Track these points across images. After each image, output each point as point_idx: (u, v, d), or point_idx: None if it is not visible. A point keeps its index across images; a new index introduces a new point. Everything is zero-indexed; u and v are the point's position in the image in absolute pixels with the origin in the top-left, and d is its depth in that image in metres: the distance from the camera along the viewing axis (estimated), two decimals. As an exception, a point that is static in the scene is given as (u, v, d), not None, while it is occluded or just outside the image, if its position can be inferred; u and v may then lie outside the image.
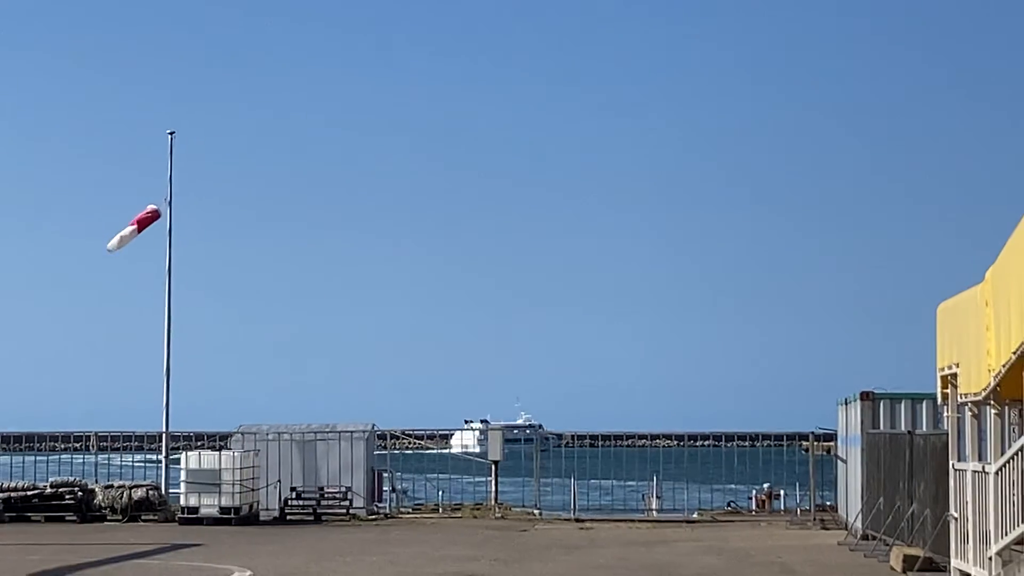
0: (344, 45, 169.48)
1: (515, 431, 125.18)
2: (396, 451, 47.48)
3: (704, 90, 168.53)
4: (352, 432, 42.63)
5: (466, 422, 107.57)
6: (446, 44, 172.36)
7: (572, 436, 52.06)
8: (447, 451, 48.95)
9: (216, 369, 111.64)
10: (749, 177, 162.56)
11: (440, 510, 43.52)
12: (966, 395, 21.69)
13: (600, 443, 54.95)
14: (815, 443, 42.86)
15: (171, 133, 45.01)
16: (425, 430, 50.07)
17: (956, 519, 22.86)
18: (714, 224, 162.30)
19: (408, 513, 42.92)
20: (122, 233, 43.83)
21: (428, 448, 50.79)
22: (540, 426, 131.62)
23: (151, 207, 44.60)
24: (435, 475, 47.74)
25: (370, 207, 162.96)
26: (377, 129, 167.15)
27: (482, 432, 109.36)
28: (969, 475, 22.10)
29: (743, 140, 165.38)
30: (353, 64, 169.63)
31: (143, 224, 44.23)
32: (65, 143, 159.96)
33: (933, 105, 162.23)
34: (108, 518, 40.73)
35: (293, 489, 41.94)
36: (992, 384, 20.19)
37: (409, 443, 50.07)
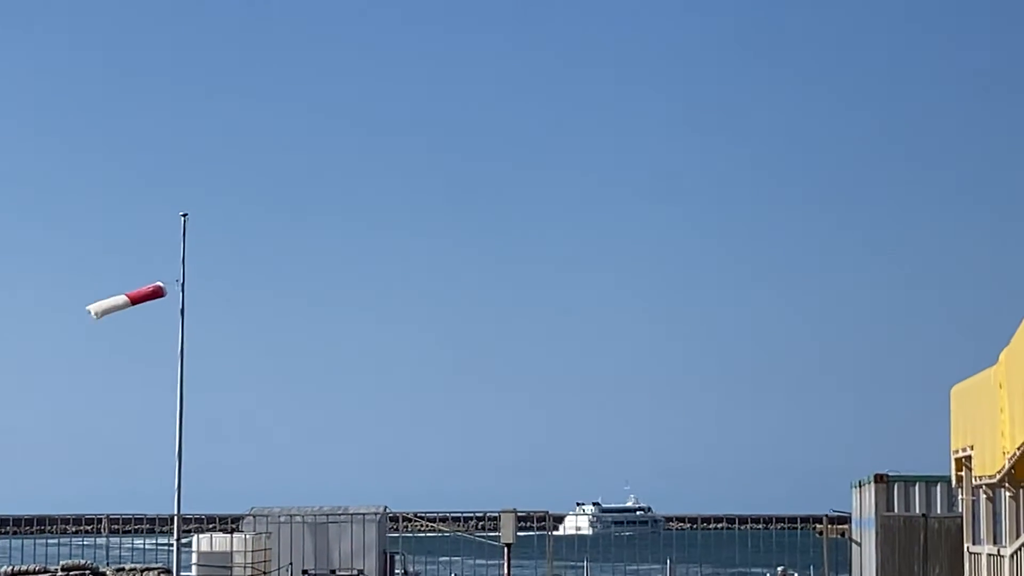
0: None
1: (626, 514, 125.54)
2: (408, 534, 47.22)
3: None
4: (364, 515, 42.42)
5: (578, 504, 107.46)
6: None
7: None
8: (465, 534, 48.72)
9: (238, 450, 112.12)
10: (752, 257, 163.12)
11: (452, 593, 43.24)
12: (981, 477, 21.58)
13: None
14: (829, 526, 42.55)
15: (184, 215, 44.96)
16: (438, 513, 49.74)
17: (972, 603, 22.69)
18: (720, 306, 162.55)
19: (420, 596, 42.65)
20: (109, 301, 42.93)
21: (443, 531, 50.46)
22: (649, 508, 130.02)
23: (156, 284, 44.09)
24: (447, 557, 47.33)
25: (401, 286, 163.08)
26: (404, 206, 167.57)
27: (594, 515, 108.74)
28: (984, 559, 21.94)
29: (745, 218, 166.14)
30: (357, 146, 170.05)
31: (139, 299, 43.43)
32: (80, 225, 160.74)
33: (934, 197, 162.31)
34: (119, 602, 40.50)
35: (305, 572, 41.62)
36: (1007, 466, 20.09)
37: (422, 526, 49.82)
